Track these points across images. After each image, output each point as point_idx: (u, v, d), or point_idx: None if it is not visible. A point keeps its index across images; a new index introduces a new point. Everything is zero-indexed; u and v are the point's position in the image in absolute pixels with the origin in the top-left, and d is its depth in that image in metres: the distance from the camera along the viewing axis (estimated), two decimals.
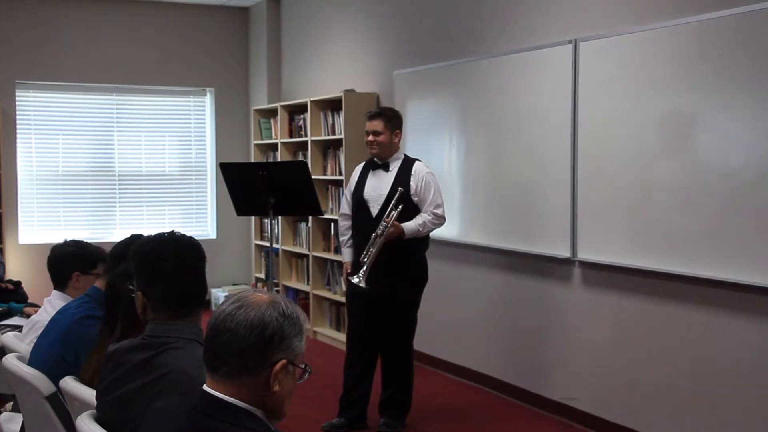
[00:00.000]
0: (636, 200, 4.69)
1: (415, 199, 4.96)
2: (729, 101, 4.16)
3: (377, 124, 5.01)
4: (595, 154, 4.94)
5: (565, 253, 5.16)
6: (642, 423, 4.76)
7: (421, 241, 5.05)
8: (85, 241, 3.81)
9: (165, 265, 2.38)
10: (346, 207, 5.23)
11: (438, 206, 4.96)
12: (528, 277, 5.59)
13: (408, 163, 5.05)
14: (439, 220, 4.98)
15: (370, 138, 5.03)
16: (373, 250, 4.82)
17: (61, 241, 3.76)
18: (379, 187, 5.03)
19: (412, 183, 4.96)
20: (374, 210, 5.00)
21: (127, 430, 2.24)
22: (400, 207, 4.84)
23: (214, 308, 2.05)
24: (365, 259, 4.83)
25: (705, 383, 4.39)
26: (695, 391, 4.45)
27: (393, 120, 5.06)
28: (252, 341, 1.84)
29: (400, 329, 5.06)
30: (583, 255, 5.06)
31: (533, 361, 5.58)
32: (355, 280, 4.83)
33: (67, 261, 3.63)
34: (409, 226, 4.88)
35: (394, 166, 5.04)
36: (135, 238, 3.08)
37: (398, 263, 4.95)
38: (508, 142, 5.64)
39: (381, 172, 5.06)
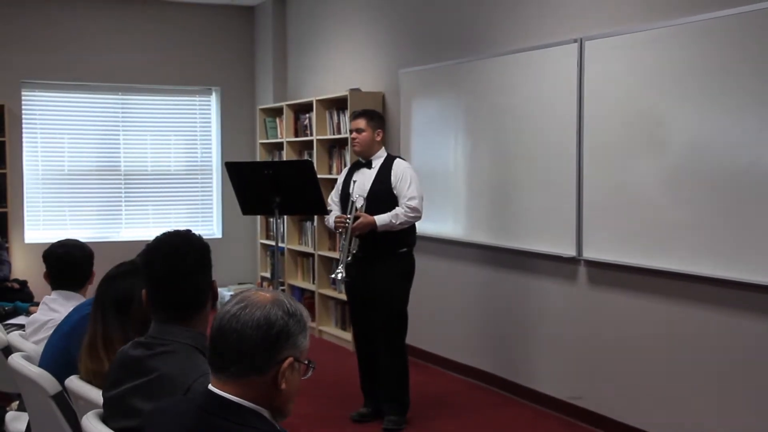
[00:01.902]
0: (642, 199, 4.68)
1: (395, 192, 5.13)
2: (736, 100, 4.15)
3: (360, 122, 5.25)
4: (601, 152, 4.93)
5: (571, 252, 5.16)
6: (648, 421, 4.75)
7: (407, 236, 5.18)
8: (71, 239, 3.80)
9: (153, 268, 2.36)
10: (330, 202, 5.46)
11: (412, 199, 5.09)
12: (533, 276, 5.58)
13: (389, 159, 5.27)
14: (414, 212, 5.10)
15: (354, 135, 5.27)
16: (345, 243, 5.05)
17: (57, 243, 3.70)
18: (362, 182, 5.23)
19: (392, 177, 5.16)
20: (357, 204, 5.19)
21: (121, 428, 2.25)
22: (359, 197, 5.07)
23: (219, 307, 2.02)
24: (341, 254, 5.09)
25: (711, 382, 4.38)
26: (700, 390, 4.43)
27: (375, 119, 5.30)
28: (259, 341, 1.84)
29: (390, 323, 5.16)
30: (589, 254, 5.06)
31: (539, 359, 5.58)
32: (339, 276, 5.06)
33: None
34: (381, 217, 5.05)
35: (377, 164, 5.25)
36: None
37: (385, 257, 5.12)
38: (514, 140, 5.63)
39: (365, 170, 5.27)
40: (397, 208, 5.08)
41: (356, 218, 5.01)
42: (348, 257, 5.03)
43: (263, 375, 1.85)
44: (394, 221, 5.05)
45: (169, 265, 2.35)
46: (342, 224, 5.09)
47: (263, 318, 1.85)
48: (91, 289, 3.53)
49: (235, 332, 1.84)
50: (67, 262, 3.63)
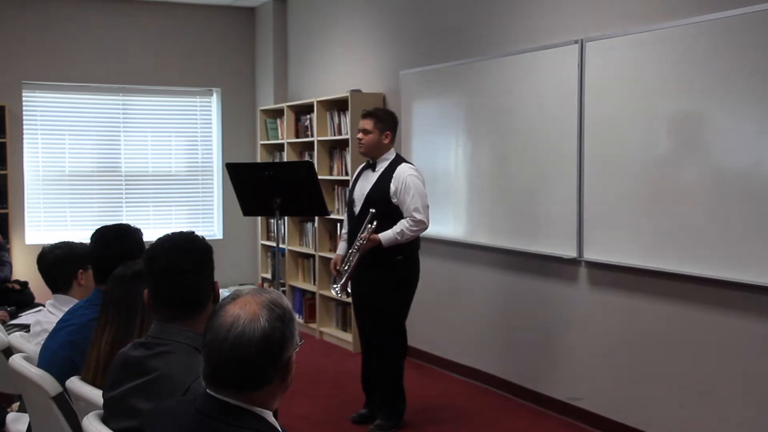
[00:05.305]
0: (642, 200, 4.68)
1: (394, 200, 4.97)
2: (737, 101, 4.15)
3: (367, 123, 5.09)
4: (602, 154, 4.93)
5: (572, 253, 5.15)
6: (648, 423, 4.75)
7: (404, 243, 4.99)
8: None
9: (155, 266, 2.37)
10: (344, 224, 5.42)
11: (416, 210, 4.91)
12: (534, 277, 5.58)
13: (395, 164, 5.07)
14: (418, 225, 4.93)
15: (360, 135, 5.13)
16: (352, 261, 4.96)
17: (47, 246, 3.72)
18: (363, 186, 5.12)
19: (392, 185, 4.98)
20: (357, 208, 5.11)
21: (121, 428, 2.25)
22: (374, 223, 4.89)
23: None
24: (345, 269, 5.00)
25: (711, 383, 4.38)
26: (702, 391, 4.43)
27: (383, 121, 5.11)
28: (263, 361, 1.81)
29: (383, 335, 5.08)
30: (590, 255, 5.06)
31: (539, 361, 5.58)
32: (333, 292, 5.11)
33: (69, 260, 3.61)
34: (386, 235, 4.90)
35: (381, 167, 5.09)
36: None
37: (378, 264, 4.98)
38: (515, 142, 5.63)
39: (369, 172, 5.15)
40: (401, 222, 4.91)
41: (367, 239, 4.89)
42: (349, 276, 4.97)
43: (268, 385, 1.85)
44: (399, 237, 4.89)
45: (171, 264, 2.36)
46: (337, 272, 5.14)
47: (261, 337, 1.80)
48: (84, 290, 3.54)
49: (236, 361, 1.80)
50: (45, 264, 3.64)
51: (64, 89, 8.92)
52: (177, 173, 9.50)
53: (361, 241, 4.92)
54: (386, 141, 5.11)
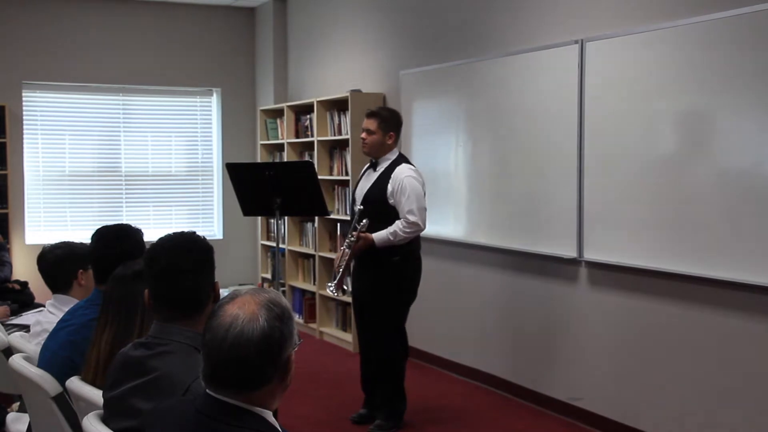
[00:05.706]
0: (642, 200, 4.68)
1: (391, 201, 4.96)
2: (737, 101, 4.15)
3: (371, 123, 5.07)
4: (602, 154, 4.93)
5: (572, 253, 5.16)
6: (648, 423, 4.75)
7: (399, 244, 4.96)
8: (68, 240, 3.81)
9: (155, 266, 2.38)
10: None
11: (411, 212, 4.87)
12: (534, 277, 5.58)
13: (395, 164, 5.05)
14: (412, 227, 4.89)
15: (363, 135, 5.10)
16: (344, 260, 4.97)
17: (47, 246, 3.73)
18: (364, 185, 5.13)
19: (389, 185, 4.96)
20: (356, 208, 5.11)
21: (121, 428, 2.25)
22: (364, 222, 4.89)
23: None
24: (340, 269, 5.01)
25: (711, 384, 4.38)
26: (701, 391, 4.43)
27: (387, 121, 5.09)
28: (262, 360, 1.81)
29: (381, 334, 5.07)
30: (590, 255, 5.06)
31: (539, 360, 5.58)
32: (328, 291, 5.19)
33: (69, 260, 3.61)
34: (379, 235, 4.89)
35: (382, 167, 5.08)
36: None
37: (376, 267, 4.98)
38: (515, 142, 5.63)
39: (371, 172, 5.14)
40: (396, 222, 4.89)
41: (359, 238, 4.89)
42: (343, 275, 5.00)
43: (268, 384, 1.85)
44: (392, 238, 4.87)
45: (172, 264, 2.37)
46: (340, 260, 5.07)
47: (261, 337, 1.80)
48: (84, 290, 3.55)
49: (235, 361, 1.80)
50: (45, 264, 3.64)
51: (64, 89, 8.92)
52: (177, 173, 9.50)
53: (351, 239, 4.93)
54: (390, 141, 5.10)
